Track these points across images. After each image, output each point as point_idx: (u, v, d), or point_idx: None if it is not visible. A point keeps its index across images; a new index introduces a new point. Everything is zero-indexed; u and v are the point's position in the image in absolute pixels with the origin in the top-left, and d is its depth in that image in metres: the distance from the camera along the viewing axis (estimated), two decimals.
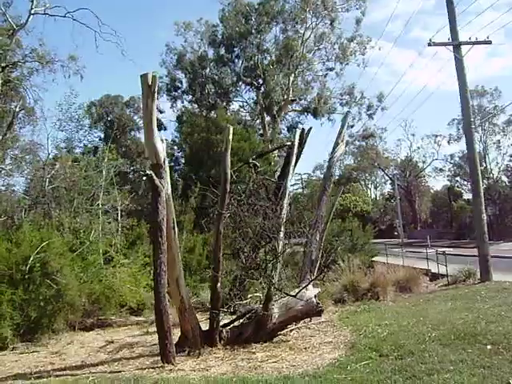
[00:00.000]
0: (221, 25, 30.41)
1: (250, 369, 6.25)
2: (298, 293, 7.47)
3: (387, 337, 7.28)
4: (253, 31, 28.97)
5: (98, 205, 12.66)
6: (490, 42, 14.05)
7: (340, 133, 8.85)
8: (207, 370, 6.26)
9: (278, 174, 10.46)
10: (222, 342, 7.47)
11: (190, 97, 32.81)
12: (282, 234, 7.98)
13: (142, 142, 38.35)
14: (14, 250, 9.11)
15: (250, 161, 9.25)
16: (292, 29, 30.29)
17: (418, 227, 54.76)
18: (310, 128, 9.75)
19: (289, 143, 9.69)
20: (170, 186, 7.08)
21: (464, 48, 14.06)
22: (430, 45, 14.12)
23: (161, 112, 34.63)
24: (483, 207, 13.76)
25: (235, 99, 33.57)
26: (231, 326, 7.82)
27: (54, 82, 22.25)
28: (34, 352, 8.37)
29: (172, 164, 24.68)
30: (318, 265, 8.28)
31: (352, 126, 39.61)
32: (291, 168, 8.77)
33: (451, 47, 14.11)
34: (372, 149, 54.45)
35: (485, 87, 42.80)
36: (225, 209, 7.47)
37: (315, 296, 8.01)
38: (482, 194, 13.82)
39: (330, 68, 33.59)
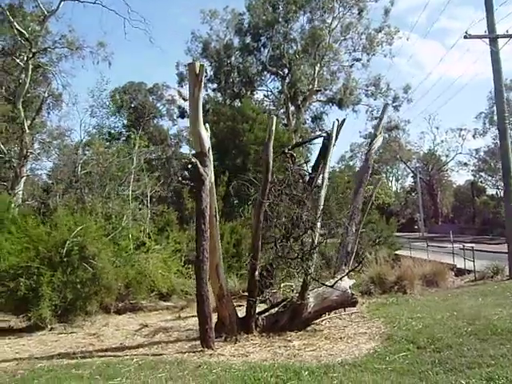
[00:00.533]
0: (247, 13, 30.31)
1: (289, 356, 6.34)
2: (335, 283, 7.54)
3: (422, 329, 7.30)
4: (280, 20, 28.79)
5: (129, 191, 12.85)
6: None
7: (378, 125, 8.82)
8: (246, 356, 6.38)
9: (312, 165, 10.43)
10: (258, 329, 7.58)
11: (215, 85, 32.82)
12: (319, 225, 8.01)
13: (165, 129, 38.57)
14: (54, 233, 9.33)
15: (287, 151, 9.25)
16: (319, 18, 30.05)
17: (439, 222, 54.21)
18: (344, 119, 9.73)
19: (324, 134, 9.66)
20: (213, 174, 7.17)
21: (500, 42, 13.82)
22: (465, 37, 13.91)
23: (184, 100, 34.76)
24: None
25: (259, 88, 33.52)
26: (267, 313, 7.91)
27: (83, 67, 22.39)
28: (71, 333, 8.62)
29: None
30: (353, 256, 8.32)
31: (376, 118, 39.51)
32: (328, 159, 8.76)
33: (487, 40, 13.89)
34: (395, 141, 53.96)
35: None
36: (265, 198, 7.52)
37: (350, 287, 8.06)
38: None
39: (356, 59, 33.31)
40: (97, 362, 6.10)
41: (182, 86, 34.66)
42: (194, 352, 6.61)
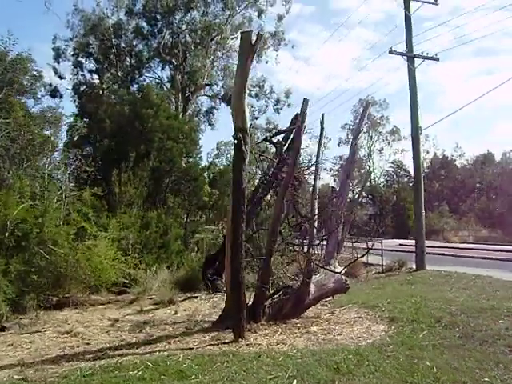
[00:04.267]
0: None
1: (326, 341, 6.31)
2: (342, 270, 7.69)
3: (414, 311, 7.86)
4: (181, 7, 27.82)
5: (58, 169, 11.20)
6: (437, 59, 15.74)
7: (362, 121, 9.22)
8: (285, 344, 6.14)
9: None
10: (265, 317, 7.34)
11: (99, 66, 30.24)
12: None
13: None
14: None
15: (268, 138, 9.10)
16: (219, 11, 29.81)
17: None
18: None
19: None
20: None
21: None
22: (390, 52, 15.33)
23: (60, 78, 31.30)
24: (423, 211, 15.45)
25: (147, 75, 31.88)
26: (270, 301, 7.70)
27: None
28: (37, 332, 7.21)
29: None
30: (343, 244, 8.60)
31: (257, 118, 40.86)
32: (321, 152, 8.76)
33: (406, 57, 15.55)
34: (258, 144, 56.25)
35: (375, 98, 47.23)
36: (292, 180, 7.28)
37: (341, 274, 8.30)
38: (423, 197, 15.45)
39: None
40: (134, 361, 5.23)
41: (58, 63, 31.11)
42: (227, 343, 6.13)
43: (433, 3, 16.07)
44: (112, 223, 11.08)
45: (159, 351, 5.78)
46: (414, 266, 15.37)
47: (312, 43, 76.97)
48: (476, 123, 74.08)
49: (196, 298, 10.54)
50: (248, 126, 6.30)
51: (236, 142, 5.97)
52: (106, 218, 12.15)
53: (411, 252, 17.26)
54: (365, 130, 52.66)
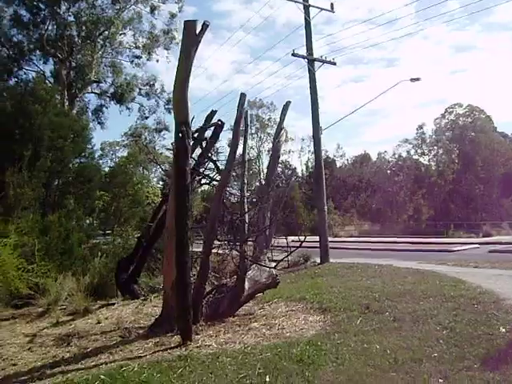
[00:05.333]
0: None
1: (274, 336, 6.29)
2: (277, 264, 7.75)
3: (342, 301, 8.22)
4: None
5: None
6: (334, 63, 16.74)
7: (282, 120, 9.36)
8: (234, 342, 6.00)
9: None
10: (202, 317, 7.11)
11: None
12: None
13: None
14: None
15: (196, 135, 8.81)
16: (108, 5, 28.28)
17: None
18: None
19: (219, 122, 9.55)
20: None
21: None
22: (293, 55, 15.95)
23: None
24: (325, 207, 16.30)
25: (27, 68, 29.12)
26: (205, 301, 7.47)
27: None
28: None
29: None
30: (271, 239, 8.66)
31: (147, 118, 39.68)
32: (246, 155, 8.67)
33: (307, 61, 16.29)
34: (147, 144, 54.70)
35: (263, 100, 48.64)
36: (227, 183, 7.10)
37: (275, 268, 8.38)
38: (325, 197, 16.31)
39: (136, 56, 32.67)
40: (83, 377, 4.70)
41: None
42: (174, 347, 5.79)
43: (329, 11, 17.05)
44: (12, 229, 9.88)
45: (105, 363, 5.26)
46: (318, 260, 16.13)
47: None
48: (350, 126, 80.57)
49: (113, 305, 9.83)
50: (190, 119, 6.05)
51: (181, 135, 5.68)
52: (3, 223, 10.85)
53: (306, 247, 18.17)
54: (253, 131, 54.30)
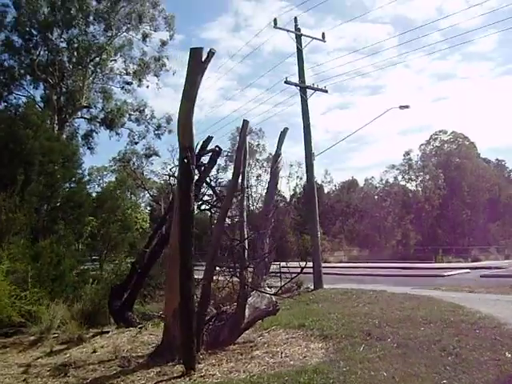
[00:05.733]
0: (12, 6, 26.14)
1: (276, 364, 6.18)
2: (278, 290, 7.68)
3: (342, 328, 8.14)
4: (60, 23, 25.94)
5: None
6: (326, 91, 17.05)
7: (280, 146, 9.43)
8: (238, 371, 5.88)
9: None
10: (203, 346, 6.97)
11: None
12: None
13: None
14: None
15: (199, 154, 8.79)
16: (99, 32, 28.54)
17: None
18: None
19: (217, 148, 9.59)
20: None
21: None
22: (286, 82, 16.23)
23: None
24: (318, 232, 16.31)
25: (17, 93, 29.05)
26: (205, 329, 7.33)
27: None
28: None
29: None
30: (270, 266, 8.60)
31: (136, 143, 39.67)
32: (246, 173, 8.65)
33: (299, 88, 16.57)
34: (135, 169, 54.63)
35: (252, 127, 49.09)
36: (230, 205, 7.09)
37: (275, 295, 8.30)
38: (318, 221, 16.35)
39: (127, 82, 32.87)
40: None
41: None
42: (178, 377, 5.65)
43: (321, 40, 17.46)
44: (5, 255, 9.67)
45: None
46: (311, 286, 16.03)
47: (182, 71, 78.06)
48: (335, 152, 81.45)
49: (107, 333, 9.58)
50: (194, 145, 6.07)
51: (186, 160, 5.68)
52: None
53: (295, 273, 18.01)
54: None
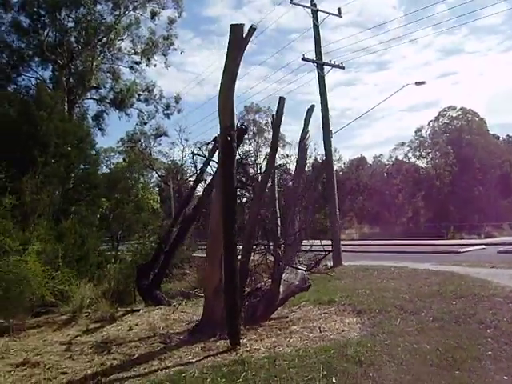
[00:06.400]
0: None
1: (317, 339, 6.28)
2: (313, 266, 7.76)
3: (375, 302, 8.24)
4: (68, 3, 25.64)
5: None
6: (343, 68, 16.87)
7: (308, 122, 9.40)
8: (282, 346, 5.97)
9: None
10: (242, 322, 7.08)
11: None
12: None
13: None
14: None
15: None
16: (106, 11, 28.20)
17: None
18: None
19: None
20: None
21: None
22: (303, 59, 16.04)
23: None
24: (337, 210, 16.31)
25: (26, 74, 28.92)
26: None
27: None
28: None
29: None
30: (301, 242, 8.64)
31: (145, 124, 39.62)
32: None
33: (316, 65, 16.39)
34: (144, 150, 54.60)
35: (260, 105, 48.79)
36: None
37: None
38: (336, 198, 16.35)
39: (136, 62, 32.60)
40: None
41: None
42: (224, 352, 5.75)
43: (337, 15, 17.18)
44: (34, 236, 9.80)
45: (159, 370, 5.21)
46: (329, 263, 16.11)
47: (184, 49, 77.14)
48: (342, 130, 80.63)
49: (138, 311, 9.74)
50: (235, 123, 6.06)
51: (229, 138, 5.69)
52: (21, 231, 10.77)
53: (325, 250, 18.11)
54: (251, 136, 54.43)
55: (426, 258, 17.38)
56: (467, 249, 20.27)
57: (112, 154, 63.57)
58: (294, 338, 6.32)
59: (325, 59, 16.54)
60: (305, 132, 9.45)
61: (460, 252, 19.43)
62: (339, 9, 17.11)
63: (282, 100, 7.04)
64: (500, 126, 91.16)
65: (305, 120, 9.61)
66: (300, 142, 9.54)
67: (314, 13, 16.55)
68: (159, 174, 62.37)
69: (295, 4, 16.12)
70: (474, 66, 79.33)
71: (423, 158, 46.92)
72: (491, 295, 8.00)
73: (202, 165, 10.70)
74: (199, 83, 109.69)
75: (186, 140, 57.78)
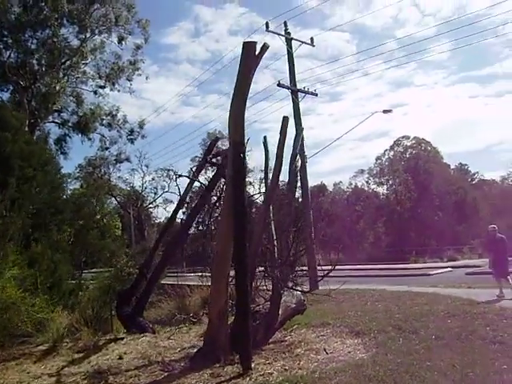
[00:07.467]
0: None
1: (326, 360, 6.15)
2: (311, 289, 7.65)
3: (370, 324, 8.20)
4: (34, 25, 24.96)
5: None
6: (316, 94, 17.29)
7: (296, 146, 9.44)
8: (293, 369, 5.81)
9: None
10: None
11: None
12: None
13: None
14: None
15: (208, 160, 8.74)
16: (72, 33, 27.72)
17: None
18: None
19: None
20: None
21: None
22: (279, 85, 16.33)
23: None
24: (312, 232, 16.34)
25: None
26: None
27: None
28: None
29: None
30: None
31: (107, 149, 38.82)
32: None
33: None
34: (103, 176, 53.37)
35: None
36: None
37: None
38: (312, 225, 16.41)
39: (100, 85, 32.12)
40: None
41: None
42: (236, 377, 5.51)
43: (309, 44, 17.68)
44: (9, 261, 9.20)
45: None
46: (305, 287, 16.04)
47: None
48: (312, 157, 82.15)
49: (122, 339, 9.26)
50: (245, 140, 5.99)
51: (242, 155, 5.60)
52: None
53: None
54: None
55: (400, 280, 17.62)
56: (436, 271, 20.83)
57: (69, 180, 61.57)
58: (304, 361, 6.18)
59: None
60: (294, 155, 9.50)
61: (431, 274, 19.92)
62: (311, 38, 17.65)
63: (285, 119, 7.06)
64: (447, 155, 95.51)
65: (293, 143, 9.68)
66: (290, 165, 9.59)
67: (289, 41, 16.97)
68: (118, 200, 60.84)
69: (271, 32, 16.48)
70: (422, 98, 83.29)
71: (383, 184, 48.39)
72: (483, 312, 8.16)
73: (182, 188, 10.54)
74: (156, 111, 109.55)
75: (147, 166, 56.84)
